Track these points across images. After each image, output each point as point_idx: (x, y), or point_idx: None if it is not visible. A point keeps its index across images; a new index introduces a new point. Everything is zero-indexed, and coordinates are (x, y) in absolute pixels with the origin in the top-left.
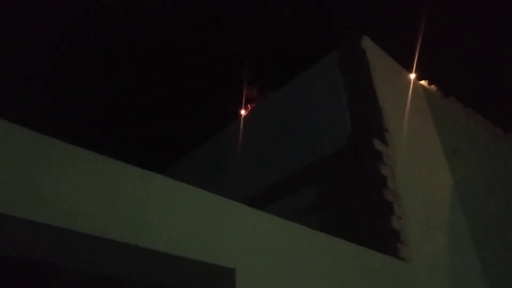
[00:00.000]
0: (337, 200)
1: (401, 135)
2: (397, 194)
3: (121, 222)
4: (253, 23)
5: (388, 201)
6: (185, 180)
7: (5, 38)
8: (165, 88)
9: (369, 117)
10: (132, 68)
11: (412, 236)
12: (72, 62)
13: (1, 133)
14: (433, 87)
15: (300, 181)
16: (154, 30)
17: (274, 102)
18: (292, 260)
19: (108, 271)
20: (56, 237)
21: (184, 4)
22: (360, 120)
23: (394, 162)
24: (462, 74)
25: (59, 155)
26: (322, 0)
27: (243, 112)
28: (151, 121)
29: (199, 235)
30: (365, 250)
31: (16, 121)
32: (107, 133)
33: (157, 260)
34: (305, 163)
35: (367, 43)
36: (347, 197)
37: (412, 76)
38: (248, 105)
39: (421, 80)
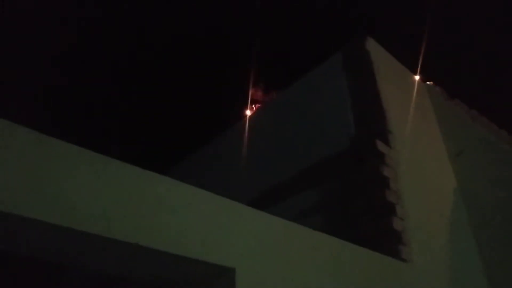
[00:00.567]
0: (340, 202)
1: (404, 136)
2: (399, 195)
3: (122, 222)
4: (258, 23)
5: (391, 202)
6: (189, 180)
7: (7, 36)
8: (169, 88)
9: (373, 119)
10: (136, 68)
11: (414, 238)
12: (74, 62)
13: (6, 133)
14: (438, 88)
15: (303, 182)
16: (159, 30)
17: (278, 103)
18: (293, 261)
19: (108, 269)
20: (60, 236)
21: (189, 3)
22: (364, 121)
23: (397, 164)
24: (467, 75)
25: (64, 155)
26: (326, 1)
27: (247, 112)
28: (155, 122)
29: (199, 234)
30: (366, 251)
31: (20, 122)
32: (113, 133)
33: (157, 259)
34: (308, 164)
35: (371, 44)
36: (350, 198)
37: (417, 77)
38: (253, 106)
39: (426, 81)
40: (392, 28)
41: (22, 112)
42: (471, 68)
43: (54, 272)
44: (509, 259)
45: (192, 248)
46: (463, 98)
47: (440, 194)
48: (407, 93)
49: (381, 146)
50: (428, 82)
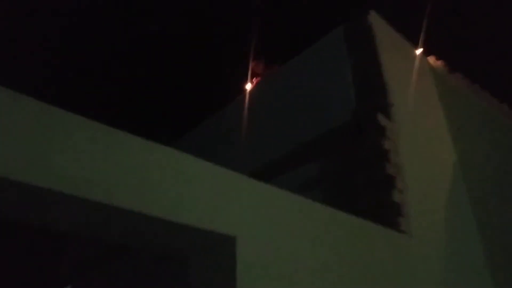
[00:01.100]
0: (341, 174)
1: (406, 110)
2: (399, 168)
3: (124, 189)
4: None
5: (390, 175)
6: (191, 153)
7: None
8: (170, 62)
9: (374, 92)
10: (138, 40)
11: (413, 210)
12: (75, 34)
13: (9, 102)
14: (440, 62)
15: (304, 155)
16: (159, 3)
17: (279, 76)
18: (292, 231)
19: (111, 238)
20: (60, 203)
21: None
22: (365, 95)
23: (397, 137)
24: (470, 49)
25: (65, 124)
26: None
27: (248, 86)
28: (155, 96)
29: (201, 203)
30: (366, 222)
31: (24, 91)
32: (115, 107)
33: (158, 227)
34: (309, 138)
35: (374, 18)
36: (350, 171)
37: (419, 51)
38: (254, 80)
39: (428, 55)
40: (395, 1)
41: (25, 80)
42: (474, 42)
43: (56, 242)
44: (507, 232)
45: (194, 216)
46: (465, 72)
47: (440, 167)
48: (408, 67)
49: (382, 119)
50: (430, 56)
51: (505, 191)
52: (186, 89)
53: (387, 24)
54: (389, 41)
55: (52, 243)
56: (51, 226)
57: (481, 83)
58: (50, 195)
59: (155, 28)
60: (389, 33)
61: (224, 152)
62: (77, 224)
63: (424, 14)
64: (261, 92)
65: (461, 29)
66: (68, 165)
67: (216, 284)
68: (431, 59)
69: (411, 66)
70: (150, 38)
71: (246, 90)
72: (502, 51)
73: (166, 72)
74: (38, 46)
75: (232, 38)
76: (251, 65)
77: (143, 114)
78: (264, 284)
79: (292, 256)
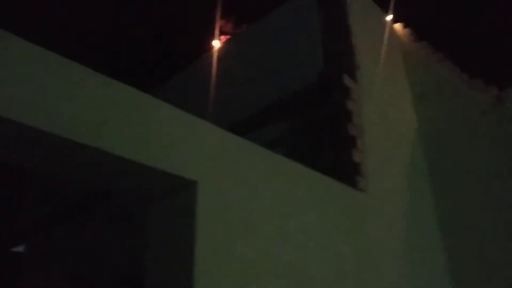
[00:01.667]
0: (305, 133)
1: (371, 73)
2: (361, 129)
3: (84, 125)
4: None
5: (352, 135)
6: None
7: None
8: (138, 17)
9: (342, 54)
10: None
11: (372, 170)
12: None
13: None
14: (407, 30)
15: (272, 114)
16: None
17: (248, 35)
18: (254, 180)
19: (68, 172)
20: (26, 136)
21: None
22: (333, 56)
23: (361, 99)
24: (435, 20)
25: (53, 67)
26: None
27: (217, 44)
28: (119, 52)
29: (164, 146)
30: (325, 178)
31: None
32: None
33: (121, 166)
34: (276, 98)
35: None
36: (314, 130)
37: (388, 17)
38: (223, 38)
39: (396, 22)
40: None
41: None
42: (440, 13)
43: (11, 198)
44: (462, 199)
45: (155, 158)
46: (430, 41)
47: (401, 132)
48: (377, 31)
49: (347, 80)
50: (398, 23)
51: (462, 160)
52: (151, 45)
53: None
54: (359, 5)
55: (7, 199)
56: (11, 160)
57: (445, 53)
58: (12, 127)
59: None
60: None
61: (190, 109)
62: (38, 157)
63: None
64: (230, 51)
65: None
66: (29, 96)
67: (176, 230)
68: (399, 26)
69: (379, 32)
70: None
71: (214, 48)
72: (467, 23)
73: (133, 27)
74: None
75: None
76: (220, 24)
77: (109, 68)
78: (223, 231)
79: (253, 205)
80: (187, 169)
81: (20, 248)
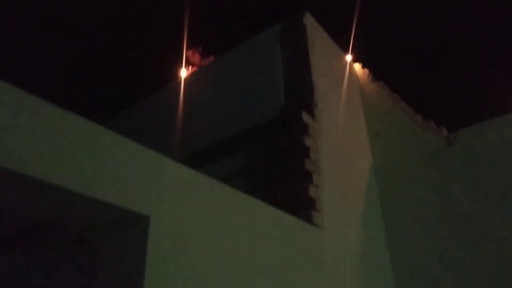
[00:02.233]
0: (263, 167)
1: (329, 111)
2: (318, 165)
3: (35, 158)
4: None
5: (309, 170)
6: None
7: None
8: (106, 43)
9: (302, 91)
10: (72, 20)
11: (327, 205)
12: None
13: None
14: (365, 70)
15: (233, 146)
16: None
17: (215, 67)
18: (208, 214)
19: (21, 208)
20: None
21: None
22: (293, 93)
23: (319, 135)
24: (394, 60)
25: None
26: None
27: (183, 73)
28: (89, 76)
29: (116, 179)
30: (280, 213)
31: None
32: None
33: (71, 200)
34: (238, 129)
35: (309, 20)
36: (273, 164)
37: (348, 57)
38: (190, 68)
39: (356, 62)
40: (333, 7)
41: None
42: (398, 55)
43: None
44: (414, 235)
45: (108, 192)
46: (387, 81)
47: (356, 168)
48: (337, 70)
49: (306, 117)
50: (357, 63)
51: (414, 197)
52: (121, 71)
53: (321, 27)
54: (321, 43)
55: None
56: None
57: (401, 93)
58: None
59: (91, 5)
60: (321, 36)
61: (153, 137)
62: None
63: (357, 22)
64: (196, 81)
65: (388, 41)
66: None
67: (126, 264)
68: (358, 66)
69: (339, 70)
70: (86, 16)
71: (180, 77)
72: (422, 66)
73: (101, 53)
74: None
75: (168, 24)
76: (187, 54)
77: (75, 93)
78: (175, 267)
79: (206, 241)
80: (139, 203)
81: None
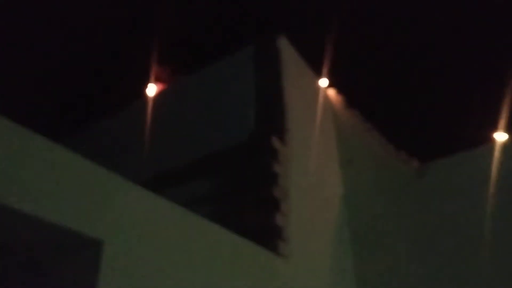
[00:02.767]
0: (230, 193)
1: (301, 137)
2: (286, 192)
3: None
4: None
5: (277, 198)
6: (82, 151)
7: None
8: (73, 56)
9: (273, 116)
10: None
11: (295, 234)
12: None
13: None
14: (339, 96)
15: (199, 170)
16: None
17: (184, 87)
18: (166, 241)
19: None
20: None
21: None
22: (264, 117)
23: (288, 162)
24: (369, 88)
25: None
26: None
27: (151, 91)
28: (51, 91)
29: (69, 201)
30: (244, 242)
31: None
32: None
33: (21, 223)
34: (205, 153)
35: (283, 43)
36: (240, 190)
37: (322, 82)
38: (158, 85)
39: (330, 87)
40: (309, 30)
41: None
42: (376, 82)
43: None
44: (382, 267)
45: (60, 214)
46: (361, 109)
47: (327, 197)
48: (310, 96)
49: (276, 143)
50: (332, 89)
51: (383, 228)
52: (83, 86)
53: (295, 51)
54: (294, 67)
55: None
56: None
57: (374, 122)
58: None
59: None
60: (295, 60)
61: (117, 156)
62: None
63: (333, 49)
64: (164, 100)
65: (365, 68)
66: None
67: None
68: (332, 92)
69: (313, 96)
70: (47, 30)
71: (148, 94)
72: (399, 96)
73: (67, 67)
74: None
75: (137, 39)
76: (156, 71)
77: (36, 109)
78: None
79: (162, 268)
80: (93, 227)
81: None
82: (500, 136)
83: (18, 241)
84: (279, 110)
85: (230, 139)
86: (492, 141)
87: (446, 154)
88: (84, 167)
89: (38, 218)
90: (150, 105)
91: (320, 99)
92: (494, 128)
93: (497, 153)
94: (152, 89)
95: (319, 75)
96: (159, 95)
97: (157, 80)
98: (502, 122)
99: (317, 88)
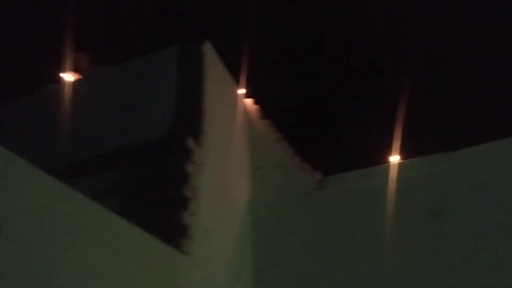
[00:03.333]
0: (140, 188)
1: (216, 140)
2: (196, 192)
3: None
4: None
5: (186, 197)
6: None
7: None
8: None
9: (191, 117)
10: None
11: (201, 233)
12: None
13: None
14: (256, 106)
15: (109, 162)
16: None
17: (105, 77)
18: (65, 228)
19: None
20: None
21: None
22: (182, 117)
23: (201, 163)
24: (285, 101)
25: None
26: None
27: (68, 77)
28: None
29: None
30: (149, 237)
31: None
32: None
33: None
34: (117, 145)
35: (208, 48)
36: (150, 187)
37: (241, 91)
38: (76, 73)
39: (248, 97)
40: (235, 41)
41: None
42: (292, 96)
43: None
44: (281, 271)
45: None
46: (275, 121)
47: (234, 200)
48: (228, 102)
49: (191, 143)
50: (249, 98)
51: (285, 234)
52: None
53: (219, 57)
54: (216, 73)
55: None
56: None
57: (285, 134)
58: None
59: None
60: (218, 67)
61: (31, 139)
62: None
63: (253, 61)
64: (82, 88)
65: (284, 82)
66: None
67: None
68: (249, 101)
69: (231, 103)
70: None
71: (63, 80)
72: (311, 113)
73: None
74: None
75: (58, 23)
76: (75, 58)
77: None
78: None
79: (58, 255)
80: None
81: None
82: (394, 158)
83: None
84: (198, 112)
85: (145, 135)
86: (387, 161)
87: (347, 170)
88: None
89: None
90: (66, 92)
91: (238, 106)
92: (389, 151)
93: (391, 172)
94: (69, 76)
95: (239, 84)
96: (76, 83)
97: (76, 69)
98: (396, 146)
99: (235, 96)
